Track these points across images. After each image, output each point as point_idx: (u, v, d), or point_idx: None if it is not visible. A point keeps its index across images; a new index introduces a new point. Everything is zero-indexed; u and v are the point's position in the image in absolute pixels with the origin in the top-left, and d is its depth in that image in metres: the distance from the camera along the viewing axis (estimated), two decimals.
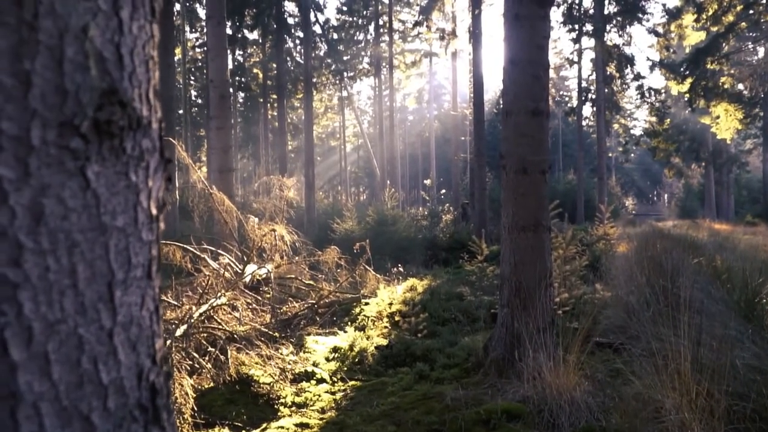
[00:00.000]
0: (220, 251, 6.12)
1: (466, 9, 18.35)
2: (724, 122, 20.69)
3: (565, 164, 47.27)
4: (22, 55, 0.54)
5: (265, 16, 22.39)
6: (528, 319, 3.65)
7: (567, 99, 45.99)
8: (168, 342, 3.57)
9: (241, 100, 31.70)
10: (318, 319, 5.78)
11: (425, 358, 4.46)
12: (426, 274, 8.99)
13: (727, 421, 2.36)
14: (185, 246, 5.53)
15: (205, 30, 21.08)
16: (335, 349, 4.73)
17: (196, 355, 3.92)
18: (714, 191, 34.65)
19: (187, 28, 25.43)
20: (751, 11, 18.93)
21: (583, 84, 25.91)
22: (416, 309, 5.82)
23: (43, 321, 0.55)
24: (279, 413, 3.50)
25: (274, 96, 25.98)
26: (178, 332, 3.88)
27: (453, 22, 20.96)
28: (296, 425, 3.24)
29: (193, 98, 30.84)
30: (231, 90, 19.23)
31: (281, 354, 4.40)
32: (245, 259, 6.05)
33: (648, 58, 32.82)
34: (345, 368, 4.36)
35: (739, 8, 18.68)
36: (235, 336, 4.36)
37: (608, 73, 24.22)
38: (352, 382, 4.09)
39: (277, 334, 4.94)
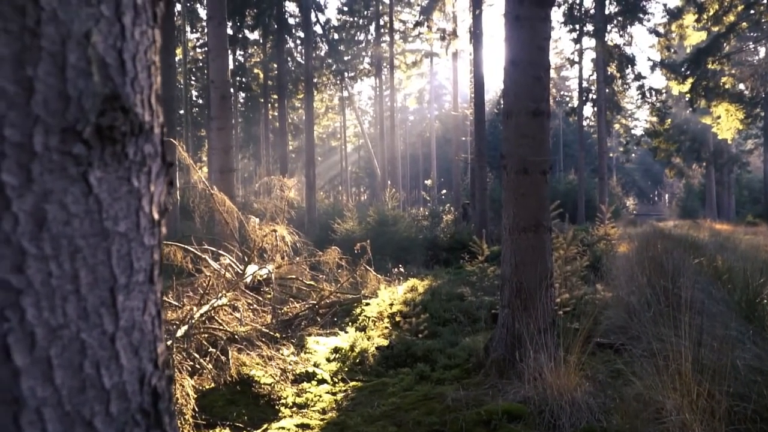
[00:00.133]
0: (221, 252, 6.12)
1: (467, 9, 18.34)
2: (725, 122, 20.67)
3: (566, 164, 47.21)
4: (24, 62, 0.54)
5: (265, 17, 22.38)
6: (529, 320, 3.65)
7: (568, 99, 45.87)
8: (169, 342, 3.57)
9: (241, 101, 31.67)
10: (319, 319, 5.78)
11: (426, 358, 4.45)
12: (427, 275, 8.98)
13: (728, 422, 2.36)
14: (186, 246, 5.53)
15: (205, 30, 21.12)
16: (336, 350, 4.73)
17: (197, 355, 3.92)
18: (715, 191, 34.64)
19: (188, 29, 25.44)
20: (752, 11, 18.93)
21: (584, 84, 25.92)
22: (417, 309, 5.82)
23: (45, 326, 0.56)
24: (280, 414, 3.50)
25: (275, 96, 25.96)
26: (179, 333, 3.89)
27: (454, 22, 20.95)
28: (297, 426, 3.24)
29: (194, 98, 30.85)
30: (232, 90, 19.26)
31: (282, 354, 4.40)
32: (246, 259, 6.05)
33: (649, 58, 32.82)
34: (346, 369, 4.36)
35: (740, 8, 18.67)
36: (236, 336, 4.36)
37: (609, 73, 24.22)
38: (353, 383, 4.09)
39: (278, 334, 4.94)
